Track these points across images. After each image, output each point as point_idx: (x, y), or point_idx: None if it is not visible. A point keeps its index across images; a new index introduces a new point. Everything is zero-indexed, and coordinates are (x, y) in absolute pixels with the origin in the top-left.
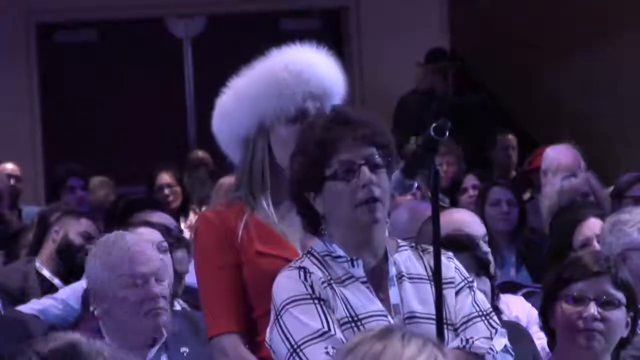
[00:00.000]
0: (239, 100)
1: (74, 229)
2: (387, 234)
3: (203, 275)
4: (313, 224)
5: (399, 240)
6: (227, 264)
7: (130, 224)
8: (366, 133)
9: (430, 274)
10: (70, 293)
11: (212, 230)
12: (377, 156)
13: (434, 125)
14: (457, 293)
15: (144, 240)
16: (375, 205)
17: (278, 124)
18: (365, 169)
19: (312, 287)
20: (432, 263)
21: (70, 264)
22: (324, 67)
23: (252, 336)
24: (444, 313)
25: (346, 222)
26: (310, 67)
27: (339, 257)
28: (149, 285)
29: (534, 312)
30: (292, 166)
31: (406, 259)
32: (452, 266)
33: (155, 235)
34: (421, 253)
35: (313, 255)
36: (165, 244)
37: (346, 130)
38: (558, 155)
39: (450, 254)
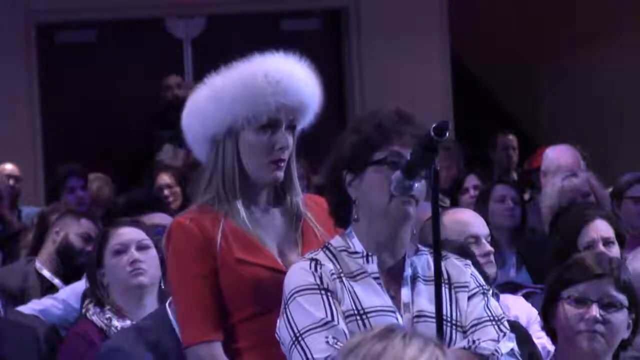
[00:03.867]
0: (214, 99)
1: (74, 230)
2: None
3: (180, 283)
4: (339, 210)
5: (419, 245)
6: (205, 271)
7: (114, 224)
8: (421, 135)
9: (446, 278)
10: (71, 293)
11: (189, 237)
12: None
13: (433, 125)
14: (470, 298)
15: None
16: (411, 200)
17: (248, 128)
18: None
19: (320, 278)
20: (449, 268)
21: (70, 266)
22: (303, 80)
23: (229, 343)
24: (455, 315)
25: (379, 211)
26: (289, 79)
27: (356, 252)
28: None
29: (534, 312)
30: (340, 143)
31: (424, 263)
32: (468, 272)
33: (137, 233)
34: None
35: (328, 249)
36: (145, 241)
37: (405, 126)
38: (558, 156)
39: (468, 261)
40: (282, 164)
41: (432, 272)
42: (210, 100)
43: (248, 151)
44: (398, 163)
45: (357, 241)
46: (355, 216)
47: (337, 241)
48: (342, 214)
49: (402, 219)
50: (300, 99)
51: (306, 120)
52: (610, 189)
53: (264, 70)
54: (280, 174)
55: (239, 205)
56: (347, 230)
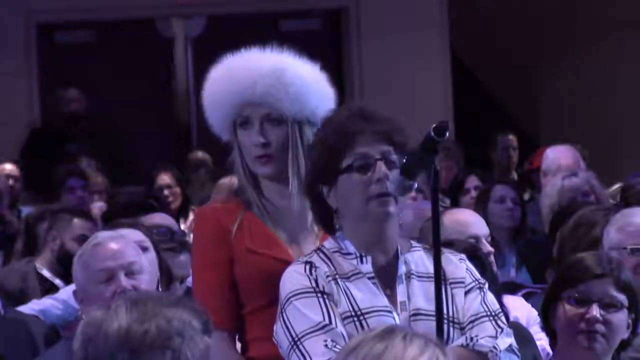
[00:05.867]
0: (204, 99)
1: (69, 235)
2: (398, 232)
3: (196, 271)
4: (325, 220)
5: (413, 242)
6: (220, 260)
7: (113, 225)
8: (386, 129)
9: (441, 274)
10: (71, 293)
11: (207, 226)
12: (393, 154)
13: (433, 126)
14: (466, 293)
15: (118, 236)
16: (388, 200)
17: (236, 126)
18: (381, 164)
19: (316, 280)
20: (444, 263)
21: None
22: (264, 75)
23: (241, 335)
24: (451, 312)
25: (359, 215)
26: (247, 76)
27: (349, 254)
28: (118, 279)
29: (534, 313)
30: (310, 156)
31: (417, 259)
32: (463, 267)
33: (136, 235)
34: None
35: (322, 252)
36: (145, 243)
37: (366, 124)
38: (558, 156)
39: (463, 256)
40: (265, 160)
41: (426, 268)
42: (209, 98)
43: (242, 147)
44: (365, 165)
45: (349, 243)
46: (337, 225)
47: (329, 243)
48: (328, 223)
49: (383, 219)
50: (263, 95)
51: (301, 111)
52: (618, 185)
53: (224, 71)
54: (266, 169)
55: (254, 195)
56: (338, 234)
